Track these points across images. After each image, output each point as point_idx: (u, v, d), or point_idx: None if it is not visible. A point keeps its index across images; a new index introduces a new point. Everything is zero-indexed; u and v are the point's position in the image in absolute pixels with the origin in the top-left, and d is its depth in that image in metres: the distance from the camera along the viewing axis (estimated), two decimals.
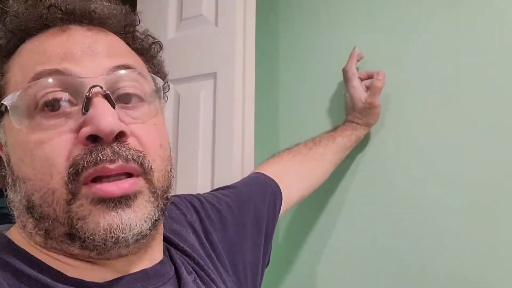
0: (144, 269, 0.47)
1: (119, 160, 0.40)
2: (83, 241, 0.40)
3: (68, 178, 0.39)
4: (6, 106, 0.42)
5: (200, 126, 1.07)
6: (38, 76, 0.42)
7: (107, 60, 0.44)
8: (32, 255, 0.42)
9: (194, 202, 0.65)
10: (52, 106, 0.41)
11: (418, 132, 0.97)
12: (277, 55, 1.21)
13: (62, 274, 0.42)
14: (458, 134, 0.93)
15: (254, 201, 0.70)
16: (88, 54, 0.44)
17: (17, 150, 0.42)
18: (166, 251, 0.53)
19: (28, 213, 0.41)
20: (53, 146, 0.40)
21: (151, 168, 0.43)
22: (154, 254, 0.49)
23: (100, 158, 0.39)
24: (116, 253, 0.42)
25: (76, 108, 0.41)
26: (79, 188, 0.40)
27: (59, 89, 0.41)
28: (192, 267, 0.54)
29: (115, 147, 0.40)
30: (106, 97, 0.41)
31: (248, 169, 1.00)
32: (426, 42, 0.98)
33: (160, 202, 0.44)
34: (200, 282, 0.52)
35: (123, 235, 0.40)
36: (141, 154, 0.42)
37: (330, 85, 1.10)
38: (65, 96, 0.41)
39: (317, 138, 0.94)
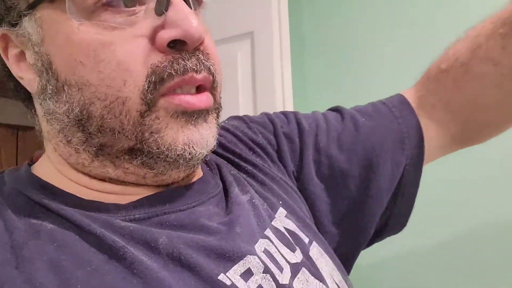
0: (173, 187, 0.41)
1: (204, 70, 0.36)
2: (151, 156, 0.36)
3: (148, 87, 0.34)
4: None
5: (240, 86, 1.10)
6: None
7: None
8: (50, 183, 0.38)
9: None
10: (123, 2, 0.34)
11: None
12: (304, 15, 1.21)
13: (81, 198, 0.37)
14: None
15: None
16: None
17: (71, 50, 0.34)
18: (216, 168, 0.48)
19: (77, 127, 0.36)
20: (127, 48, 0.34)
21: (217, 82, 0.39)
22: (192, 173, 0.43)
23: (189, 66, 0.35)
24: (177, 175, 0.39)
25: (143, 8, 0.35)
26: (157, 99, 0.35)
27: None
28: (251, 186, 0.47)
29: (199, 55, 0.36)
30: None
31: None
32: None
33: (218, 123, 0.41)
34: (257, 203, 0.44)
35: (200, 151, 0.36)
36: (216, 66, 0.38)
37: (356, 48, 1.11)
38: None
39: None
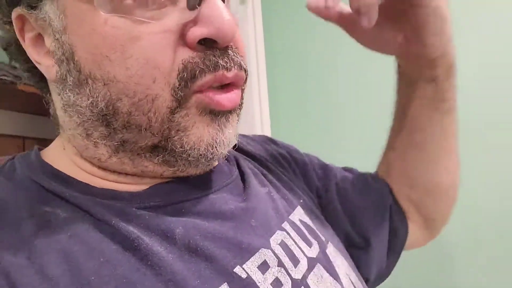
0: (189, 179, 0.40)
1: (235, 67, 0.35)
2: (173, 155, 0.35)
3: (180, 84, 0.33)
4: None
5: None
6: None
7: None
8: (62, 172, 0.37)
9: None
10: None
11: None
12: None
13: (93, 187, 0.37)
14: None
15: None
16: None
17: (96, 43, 0.33)
18: (233, 159, 0.48)
19: (101, 121, 0.35)
20: (156, 44, 0.32)
21: (246, 77, 0.38)
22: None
23: (221, 64, 0.34)
24: (194, 171, 0.39)
25: (173, 0, 0.34)
26: (190, 96, 0.34)
27: None
28: (270, 181, 0.47)
29: (230, 52, 0.35)
30: None
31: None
32: None
33: (238, 121, 0.40)
34: (275, 196, 0.44)
35: (221, 151, 0.36)
36: (243, 61, 0.37)
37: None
38: None
39: None
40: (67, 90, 0.35)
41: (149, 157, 0.37)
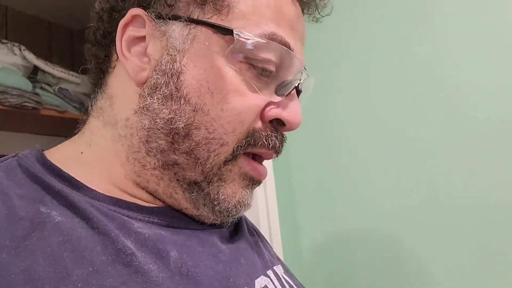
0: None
1: (277, 152, 0.43)
2: (206, 198, 0.40)
3: (243, 144, 0.39)
4: (222, 31, 0.38)
5: None
6: (273, 37, 0.39)
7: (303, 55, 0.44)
8: (67, 173, 0.38)
9: None
10: (262, 71, 0.40)
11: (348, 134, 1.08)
12: None
13: (99, 192, 0.38)
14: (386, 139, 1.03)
15: None
16: (301, 42, 0.43)
17: (210, 78, 0.38)
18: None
19: (168, 137, 0.38)
20: (250, 107, 0.39)
21: None
22: None
23: (277, 145, 0.41)
24: (208, 221, 0.42)
25: (272, 81, 0.41)
26: (241, 155, 0.40)
27: (277, 61, 0.40)
28: (258, 235, 0.52)
29: (283, 137, 0.43)
30: (299, 93, 0.43)
31: None
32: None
33: None
34: (262, 246, 0.49)
35: (242, 212, 0.41)
36: None
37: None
38: (276, 67, 0.40)
39: None
40: (153, 97, 0.39)
41: (186, 189, 0.40)
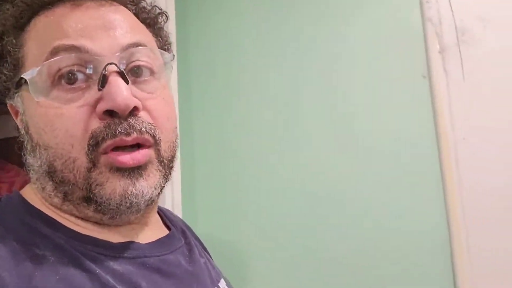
0: (152, 241, 0.50)
1: (134, 132, 0.43)
2: (99, 204, 0.43)
3: (89, 149, 0.43)
4: (26, 80, 0.44)
5: None
6: (56, 50, 0.43)
7: (120, 36, 0.46)
8: (47, 215, 0.45)
9: None
10: (69, 80, 0.43)
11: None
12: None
13: (75, 232, 0.44)
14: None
15: None
16: (103, 31, 0.45)
17: (37, 121, 0.44)
18: (180, 230, 0.58)
19: (48, 177, 0.44)
20: (73, 119, 0.43)
21: (160, 139, 0.46)
22: (156, 230, 0.54)
23: (118, 131, 0.43)
24: (127, 219, 0.47)
25: (91, 82, 0.44)
26: (99, 157, 0.43)
27: (76, 64, 0.43)
28: (204, 254, 0.60)
29: (130, 120, 0.43)
30: (121, 74, 0.44)
31: None
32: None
33: (167, 171, 0.48)
34: (209, 267, 0.56)
35: (136, 201, 0.43)
36: (152, 127, 0.45)
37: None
38: (82, 71, 0.44)
39: None
40: (27, 155, 0.47)
41: (85, 206, 0.45)
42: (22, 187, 0.51)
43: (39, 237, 0.42)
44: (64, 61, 0.43)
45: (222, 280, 0.58)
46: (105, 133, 0.42)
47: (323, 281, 1.07)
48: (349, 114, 1.10)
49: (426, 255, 1.00)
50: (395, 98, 1.07)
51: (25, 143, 0.47)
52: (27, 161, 0.47)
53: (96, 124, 0.43)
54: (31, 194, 0.48)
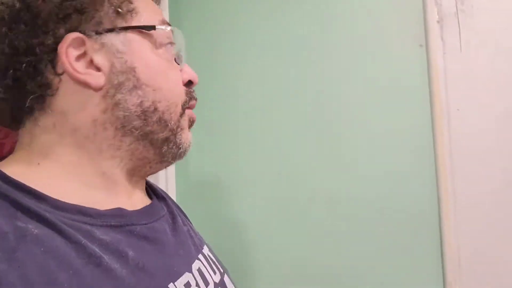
0: (139, 208, 0.52)
1: (196, 100, 0.58)
2: (175, 144, 0.53)
3: (185, 101, 0.54)
4: (141, 27, 0.50)
5: None
6: (164, 23, 0.53)
7: None
8: (30, 186, 0.42)
9: None
10: (171, 49, 0.54)
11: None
12: None
13: (61, 201, 0.43)
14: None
15: None
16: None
17: (152, 65, 0.50)
18: (162, 198, 0.61)
19: (140, 115, 0.49)
20: (179, 76, 0.54)
21: None
22: (144, 197, 0.56)
23: (194, 96, 0.57)
24: (160, 169, 0.56)
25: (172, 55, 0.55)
26: (185, 110, 0.54)
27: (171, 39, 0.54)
28: (187, 222, 0.63)
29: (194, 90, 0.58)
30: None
31: None
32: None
33: None
34: (192, 234, 0.59)
35: (189, 149, 0.56)
36: None
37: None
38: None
39: None
40: (121, 92, 0.48)
41: (157, 147, 0.52)
42: (12, 149, 0.49)
43: (20, 210, 0.40)
44: (174, 33, 0.54)
45: (205, 247, 0.60)
46: (191, 95, 0.55)
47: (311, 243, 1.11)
48: (341, 80, 1.12)
49: (415, 217, 1.06)
50: (392, 66, 1.07)
51: (118, 81, 0.48)
52: (112, 100, 0.48)
53: (183, 86, 0.55)
54: (13, 167, 0.45)
